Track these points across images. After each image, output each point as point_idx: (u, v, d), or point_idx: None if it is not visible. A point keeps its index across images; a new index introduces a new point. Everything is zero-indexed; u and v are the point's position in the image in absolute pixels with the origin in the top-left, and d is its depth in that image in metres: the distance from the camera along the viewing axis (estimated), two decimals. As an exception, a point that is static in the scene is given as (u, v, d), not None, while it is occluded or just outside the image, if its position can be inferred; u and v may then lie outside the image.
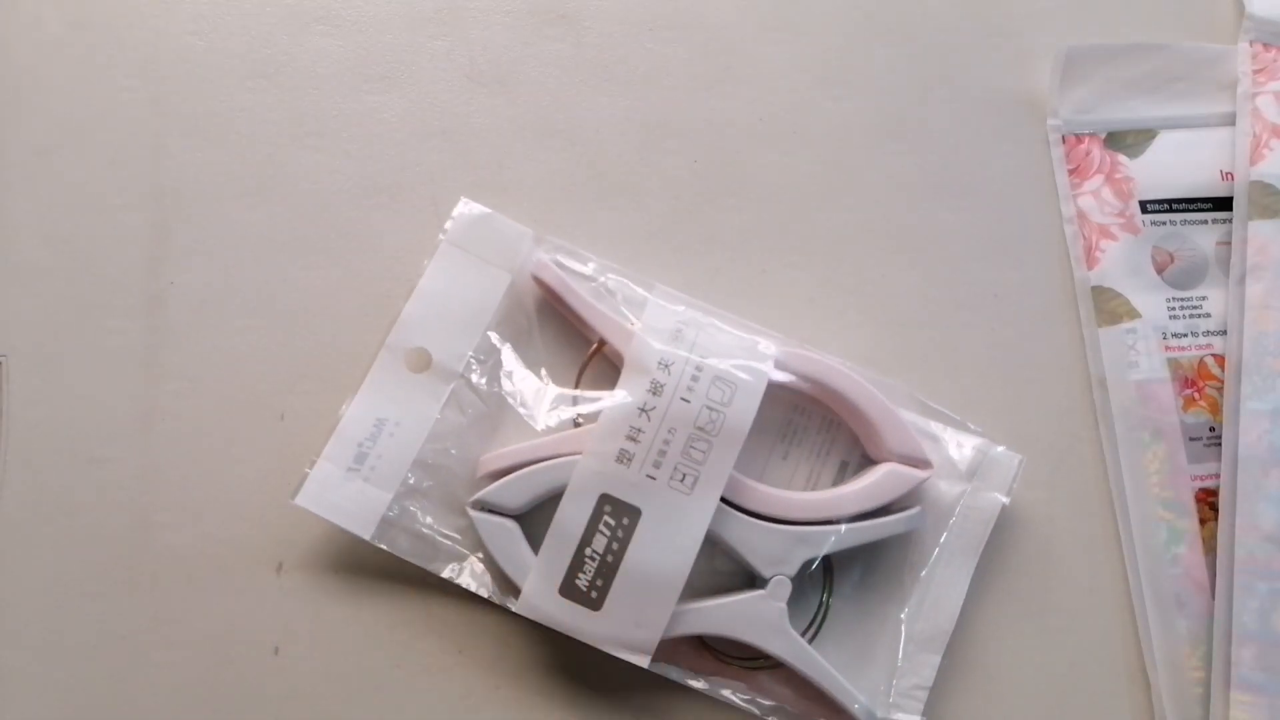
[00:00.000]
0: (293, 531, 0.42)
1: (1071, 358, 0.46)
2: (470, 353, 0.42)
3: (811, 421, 0.44)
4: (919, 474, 0.42)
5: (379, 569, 0.42)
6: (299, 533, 0.42)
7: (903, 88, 0.48)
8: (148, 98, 0.46)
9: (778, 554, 0.40)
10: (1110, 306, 0.46)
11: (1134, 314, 0.46)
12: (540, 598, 0.39)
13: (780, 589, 0.40)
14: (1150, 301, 0.46)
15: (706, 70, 0.48)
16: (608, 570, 0.40)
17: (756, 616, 0.40)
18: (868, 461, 0.44)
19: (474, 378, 0.43)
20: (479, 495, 0.40)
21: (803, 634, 0.41)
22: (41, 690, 0.41)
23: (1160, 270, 0.47)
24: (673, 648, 0.41)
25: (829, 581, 0.42)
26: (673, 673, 0.41)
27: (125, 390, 0.43)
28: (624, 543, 0.39)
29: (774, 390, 0.41)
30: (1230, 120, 0.48)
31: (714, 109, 0.47)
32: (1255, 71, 0.48)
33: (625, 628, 0.39)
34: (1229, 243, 0.47)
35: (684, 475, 0.40)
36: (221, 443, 0.43)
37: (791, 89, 0.48)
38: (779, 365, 0.42)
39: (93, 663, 0.41)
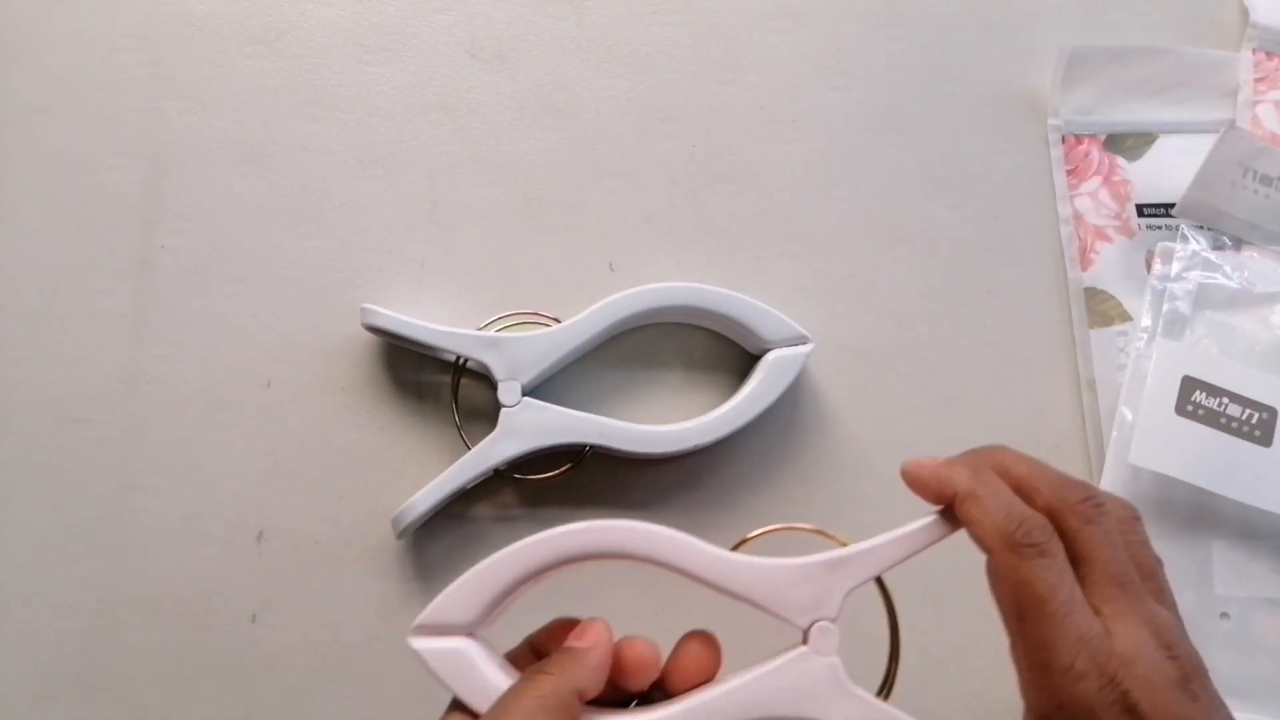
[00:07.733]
0: (274, 500, 0.42)
1: (1062, 358, 0.46)
2: None
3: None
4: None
5: (358, 541, 0.42)
6: (280, 501, 0.42)
7: (904, 81, 0.48)
8: (146, 59, 0.46)
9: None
10: (1102, 308, 0.46)
11: (1125, 317, 0.46)
12: None
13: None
14: (1142, 305, 0.46)
15: (708, 55, 0.48)
16: None
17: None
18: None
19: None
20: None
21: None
22: (17, 649, 0.41)
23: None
24: None
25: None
26: None
27: (111, 352, 0.43)
28: None
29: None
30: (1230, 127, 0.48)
31: (714, 94, 0.47)
32: (1257, 79, 0.48)
33: None
34: (1223, 249, 0.47)
35: None
36: (206, 408, 0.43)
37: (792, 77, 0.48)
38: None
39: (69, 624, 0.41)
